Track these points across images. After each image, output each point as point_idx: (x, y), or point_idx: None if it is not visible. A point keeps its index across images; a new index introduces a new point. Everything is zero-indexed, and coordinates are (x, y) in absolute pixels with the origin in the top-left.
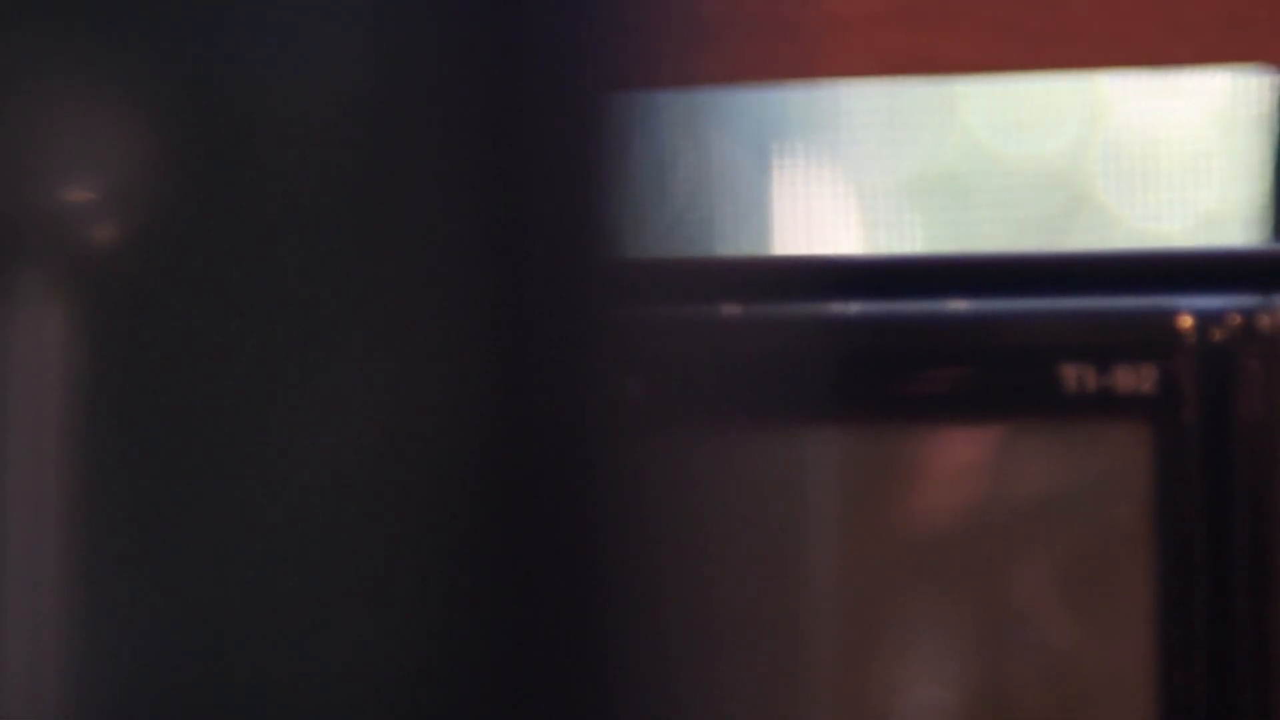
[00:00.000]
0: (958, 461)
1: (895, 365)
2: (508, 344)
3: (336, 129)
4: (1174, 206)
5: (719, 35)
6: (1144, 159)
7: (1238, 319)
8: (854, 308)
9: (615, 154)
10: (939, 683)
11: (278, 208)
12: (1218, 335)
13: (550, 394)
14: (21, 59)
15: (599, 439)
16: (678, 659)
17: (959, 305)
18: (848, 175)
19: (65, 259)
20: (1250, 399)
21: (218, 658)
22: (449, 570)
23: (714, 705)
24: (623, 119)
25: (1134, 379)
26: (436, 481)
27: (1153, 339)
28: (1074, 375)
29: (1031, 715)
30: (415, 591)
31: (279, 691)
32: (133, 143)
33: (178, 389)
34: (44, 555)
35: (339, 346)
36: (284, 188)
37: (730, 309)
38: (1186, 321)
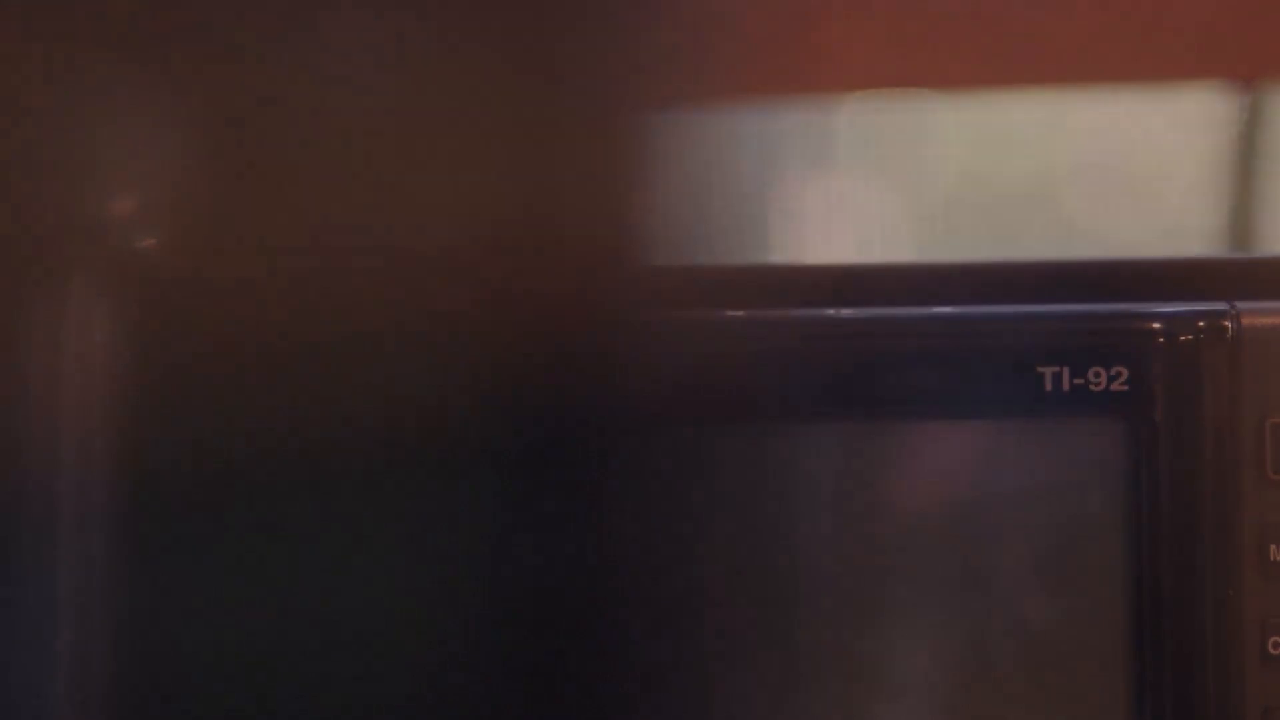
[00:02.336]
0: (944, 455)
1: (886, 365)
2: (533, 342)
3: (375, 140)
4: (1145, 218)
5: (727, 60)
6: (1117, 173)
7: (1203, 323)
8: (848, 311)
9: (639, 168)
10: (923, 666)
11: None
12: (1185, 338)
13: (570, 391)
14: (70, 75)
15: (613, 434)
16: (678, 642)
17: (946, 309)
18: (844, 188)
19: (111, 266)
20: (1215, 397)
21: (254, 660)
22: (467, 560)
23: (708, 683)
24: (644, 137)
25: (1107, 379)
26: (457, 467)
27: (1124, 342)
28: (1051, 375)
29: (1012, 698)
30: (431, 587)
31: (300, 687)
32: (175, 155)
33: (218, 389)
34: (93, 551)
35: (371, 341)
36: (320, 198)
37: (733, 312)
38: (1156, 326)
